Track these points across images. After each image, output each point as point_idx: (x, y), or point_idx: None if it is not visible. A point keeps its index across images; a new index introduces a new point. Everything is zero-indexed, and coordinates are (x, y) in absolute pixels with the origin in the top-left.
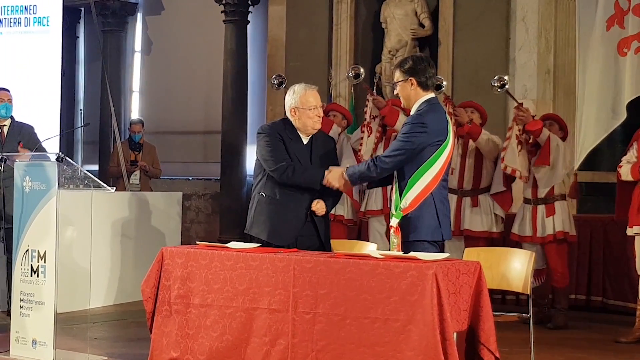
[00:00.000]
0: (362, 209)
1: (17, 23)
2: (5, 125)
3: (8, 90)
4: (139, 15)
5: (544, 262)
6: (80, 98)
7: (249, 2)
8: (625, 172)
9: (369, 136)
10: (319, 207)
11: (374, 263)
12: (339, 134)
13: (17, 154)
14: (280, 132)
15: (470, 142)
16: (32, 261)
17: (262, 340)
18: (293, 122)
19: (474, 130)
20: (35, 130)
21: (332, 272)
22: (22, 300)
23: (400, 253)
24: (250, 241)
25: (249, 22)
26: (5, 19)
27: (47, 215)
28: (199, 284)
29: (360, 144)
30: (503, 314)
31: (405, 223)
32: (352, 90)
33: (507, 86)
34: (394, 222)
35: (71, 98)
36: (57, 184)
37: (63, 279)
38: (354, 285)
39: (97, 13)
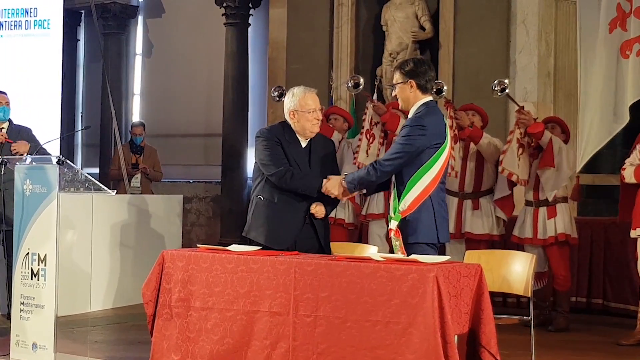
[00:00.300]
0: (363, 212)
1: (17, 26)
2: (3, 128)
3: (5, 94)
4: (140, 18)
5: (546, 265)
6: (80, 101)
7: (250, 4)
8: (629, 174)
9: (371, 143)
10: (318, 209)
11: (375, 266)
12: (340, 141)
13: (16, 156)
14: (278, 136)
15: (472, 145)
16: (32, 264)
17: (263, 343)
18: (292, 125)
19: (475, 134)
20: (34, 132)
21: (333, 275)
22: (22, 303)
23: (403, 255)
24: (249, 244)
25: (249, 24)
26: (6, 21)
27: (48, 218)
28: (199, 287)
29: (357, 151)
30: (504, 316)
31: (404, 225)
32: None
33: (507, 90)
34: (393, 224)
35: (72, 101)
36: (57, 187)
37: (63, 282)
38: (355, 288)
39: (97, 16)
